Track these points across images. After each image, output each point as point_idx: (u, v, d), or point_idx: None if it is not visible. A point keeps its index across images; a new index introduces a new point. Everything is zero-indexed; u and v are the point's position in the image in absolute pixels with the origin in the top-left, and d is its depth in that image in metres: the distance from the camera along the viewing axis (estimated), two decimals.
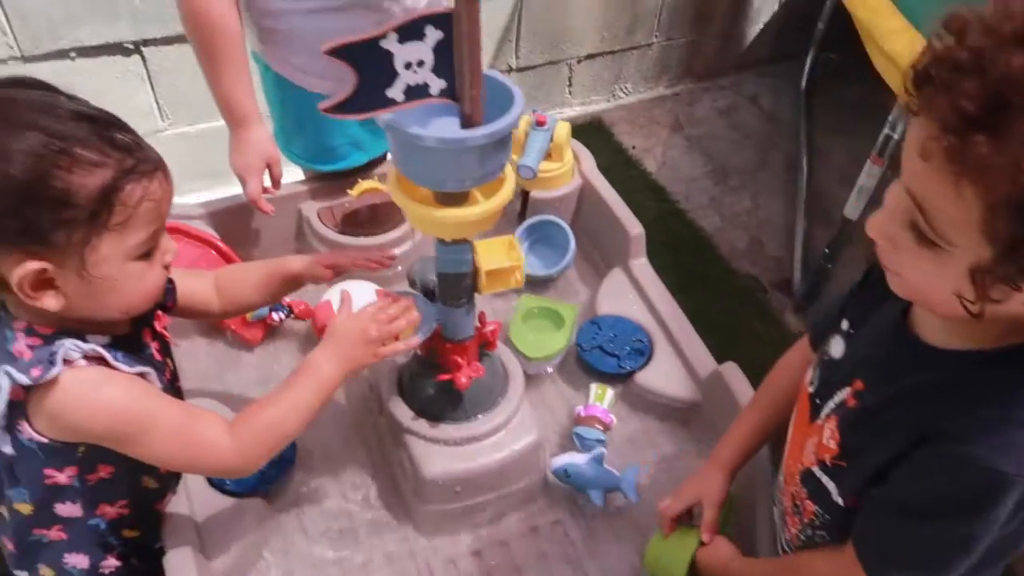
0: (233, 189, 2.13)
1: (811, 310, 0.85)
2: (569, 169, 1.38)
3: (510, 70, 2.34)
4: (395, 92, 0.70)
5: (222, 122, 2.02)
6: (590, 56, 2.45)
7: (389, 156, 1.39)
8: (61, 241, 0.69)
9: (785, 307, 1.91)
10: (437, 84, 0.71)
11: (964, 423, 0.61)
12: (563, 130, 1.34)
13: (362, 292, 1.21)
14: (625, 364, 1.20)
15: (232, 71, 1.14)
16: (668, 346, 1.22)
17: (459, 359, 0.96)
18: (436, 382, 0.99)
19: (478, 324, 0.99)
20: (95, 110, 0.72)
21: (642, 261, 1.33)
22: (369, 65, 0.67)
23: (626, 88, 2.62)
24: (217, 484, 0.99)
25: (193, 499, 0.95)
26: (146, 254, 0.76)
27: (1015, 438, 0.59)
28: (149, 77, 1.89)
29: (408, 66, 0.69)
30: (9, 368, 0.72)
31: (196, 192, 2.07)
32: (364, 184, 1.31)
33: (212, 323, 1.23)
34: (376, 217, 1.34)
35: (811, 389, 0.79)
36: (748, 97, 2.66)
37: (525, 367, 1.12)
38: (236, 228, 1.35)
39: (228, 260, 1.26)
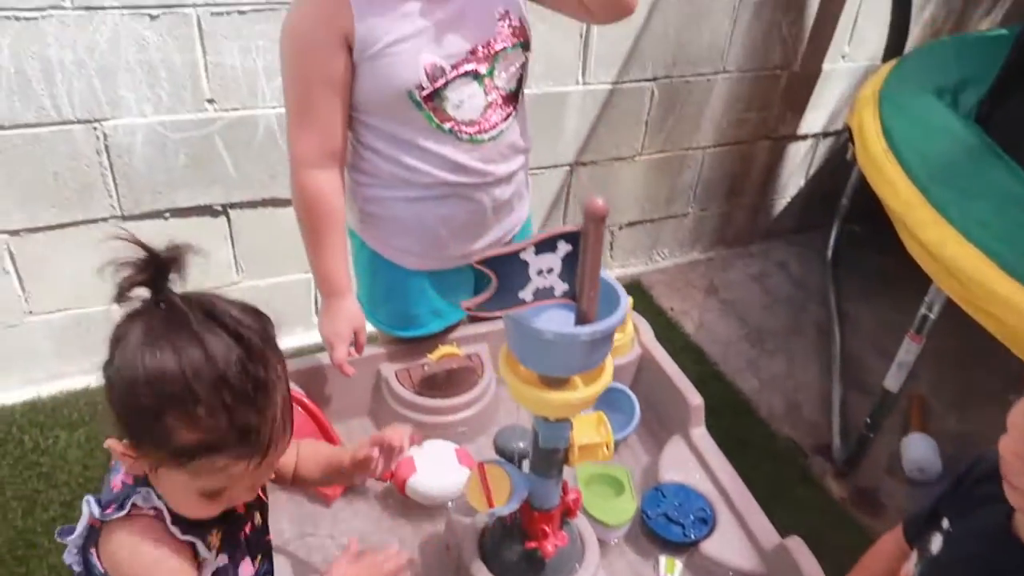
0: (292, 339, 2.26)
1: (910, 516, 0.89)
2: (630, 340, 1.48)
3: None
4: (526, 294, 0.80)
5: (287, 277, 2.18)
6: (631, 223, 2.63)
7: (468, 324, 1.49)
8: (145, 448, 0.75)
9: (826, 472, 1.95)
10: (561, 287, 0.82)
11: None
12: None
13: (441, 452, 1.29)
14: (690, 533, 1.24)
15: (333, 247, 1.26)
16: (731, 516, 1.27)
17: (546, 527, 1.02)
18: (521, 549, 1.05)
19: (561, 493, 1.06)
20: (251, 388, 0.74)
21: (701, 430, 1.40)
22: (509, 272, 0.78)
23: (663, 253, 2.78)
24: None
25: None
26: (209, 496, 0.79)
27: None
28: (231, 235, 2.05)
29: (540, 272, 0.80)
30: (90, 497, 0.79)
31: None
32: (443, 349, 1.41)
33: None
34: (452, 380, 1.42)
35: None
36: (777, 263, 2.81)
37: (598, 534, 1.17)
38: (317, 386, 1.44)
39: (314, 416, 1.33)
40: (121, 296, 0.76)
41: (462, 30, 1.13)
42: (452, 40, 1.13)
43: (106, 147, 1.82)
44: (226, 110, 1.88)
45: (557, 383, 0.90)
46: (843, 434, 2.03)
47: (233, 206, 2.01)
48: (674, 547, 1.25)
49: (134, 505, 0.79)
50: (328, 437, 1.30)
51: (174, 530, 0.80)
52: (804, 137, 2.78)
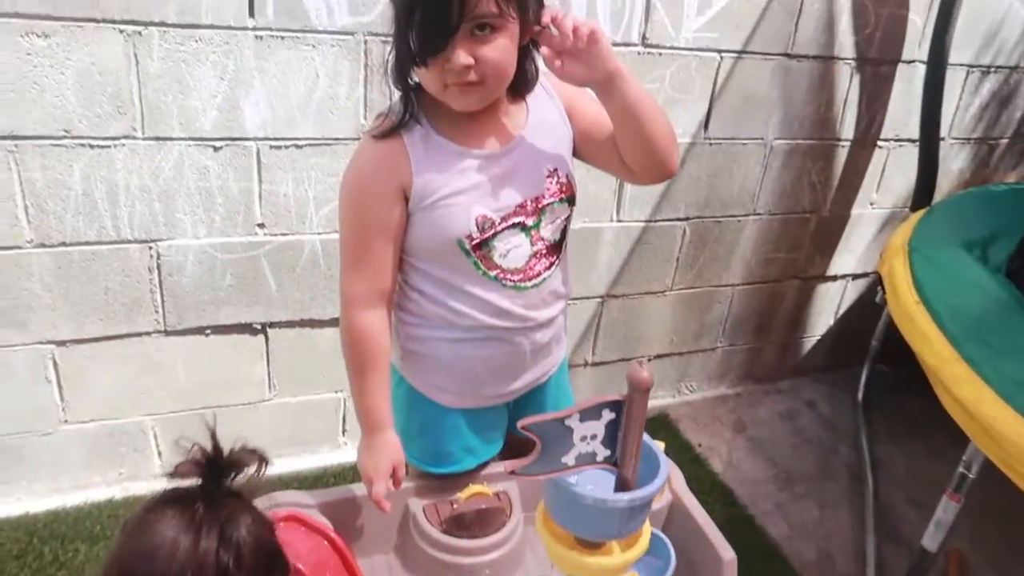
0: (315, 458, 2.25)
1: None
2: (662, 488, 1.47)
3: (586, 364, 2.52)
4: (569, 458, 0.82)
5: (318, 396, 2.20)
6: (659, 356, 2.64)
7: (503, 467, 1.48)
8: None
9: None
10: (603, 453, 0.83)
11: None
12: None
13: None
14: None
15: (377, 383, 1.28)
16: None
17: None
18: None
19: None
20: None
21: None
22: (553, 437, 0.80)
23: (691, 386, 2.78)
24: None
25: None
26: None
27: None
28: (268, 353, 2.09)
29: (583, 438, 0.81)
30: None
31: (284, 457, 2.20)
32: (473, 488, 1.40)
33: None
34: (480, 520, 1.41)
35: None
36: (806, 402, 2.78)
37: None
38: (343, 518, 1.43)
39: (339, 551, 1.32)
40: (172, 477, 0.78)
41: (514, 185, 1.19)
42: (504, 195, 1.19)
43: (158, 265, 1.89)
44: (275, 234, 1.97)
45: (594, 546, 0.89)
46: None
47: (272, 325, 2.06)
48: None
49: None
50: (352, 574, 1.28)
51: None
52: (833, 278, 2.81)
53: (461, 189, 1.17)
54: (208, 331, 2.01)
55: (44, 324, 1.86)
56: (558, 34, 1.08)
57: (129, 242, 1.85)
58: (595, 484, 0.85)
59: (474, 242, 1.19)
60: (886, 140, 2.62)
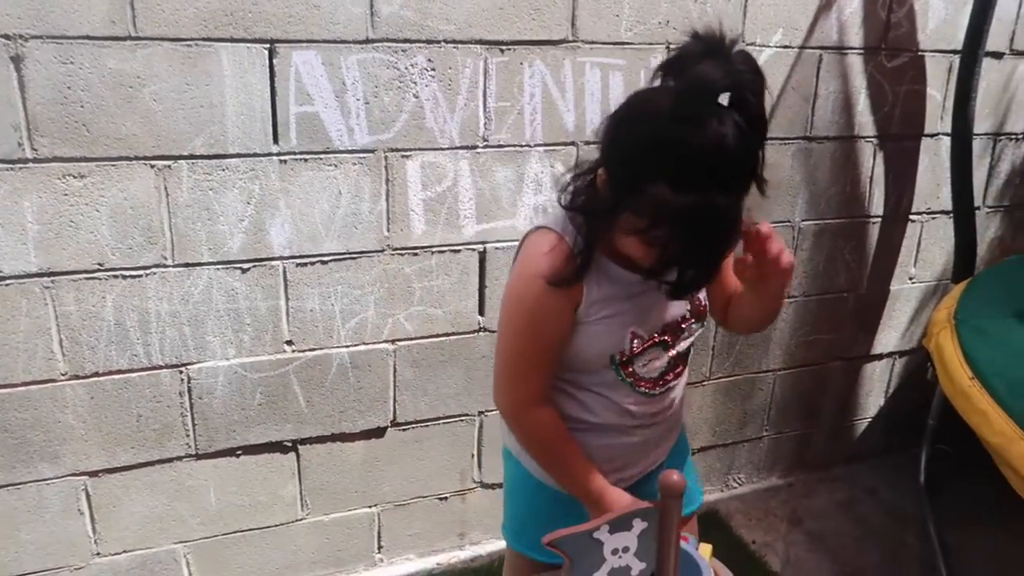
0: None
1: None
2: None
3: None
4: (601, 574, 0.76)
5: (351, 513, 2.15)
6: (703, 448, 2.54)
7: None
8: None
9: None
10: (638, 567, 0.77)
11: None
12: (705, 552, 1.36)
13: None
14: None
15: (580, 458, 1.28)
16: None
17: None
18: None
19: None
20: None
21: None
22: (582, 552, 0.75)
23: (739, 479, 2.65)
24: None
25: None
26: None
27: None
28: (299, 471, 2.05)
29: (615, 552, 0.76)
30: None
31: None
32: None
33: None
34: None
35: None
36: (865, 490, 2.64)
37: None
38: None
39: None
40: None
41: (663, 308, 1.26)
42: (654, 316, 1.25)
43: (189, 389, 1.90)
44: (303, 350, 1.97)
45: None
46: None
47: (303, 442, 2.03)
48: None
49: None
50: None
51: None
52: (879, 357, 2.71)
53: (621, 311, 1.22)
54: (239, 452, 1.99)
55: (77, 455, 1.85)
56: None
57: (160, 367, 1.86)
58: None
59: (624, 357, 1.25)
60: (918, 214, 2.58)
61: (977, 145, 2.47)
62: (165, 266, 1.80)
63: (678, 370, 1.34)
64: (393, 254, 1.98)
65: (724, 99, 1.01)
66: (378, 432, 2.11)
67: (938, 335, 2.04)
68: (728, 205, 1.04)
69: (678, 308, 1.29)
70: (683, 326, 1.30)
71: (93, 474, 1.88)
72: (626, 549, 0.76)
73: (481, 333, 2.12)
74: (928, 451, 2.62)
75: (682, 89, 1.02)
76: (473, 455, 2.24)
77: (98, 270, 1.75)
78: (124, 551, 1.97)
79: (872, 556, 2.32)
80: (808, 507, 2.54)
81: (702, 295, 1.32)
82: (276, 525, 2.08)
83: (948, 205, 2.52)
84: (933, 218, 2.59)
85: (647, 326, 1.25)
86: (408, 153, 1.92)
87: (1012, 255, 2.69)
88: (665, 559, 0.76)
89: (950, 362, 1.89)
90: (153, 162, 1.73)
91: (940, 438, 2.58)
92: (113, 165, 1.70)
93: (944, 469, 2.60)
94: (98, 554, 1.95)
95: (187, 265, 1.82)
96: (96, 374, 1.82)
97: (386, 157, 1.91)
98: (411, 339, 2.06)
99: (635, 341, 1.25)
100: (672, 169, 1.02)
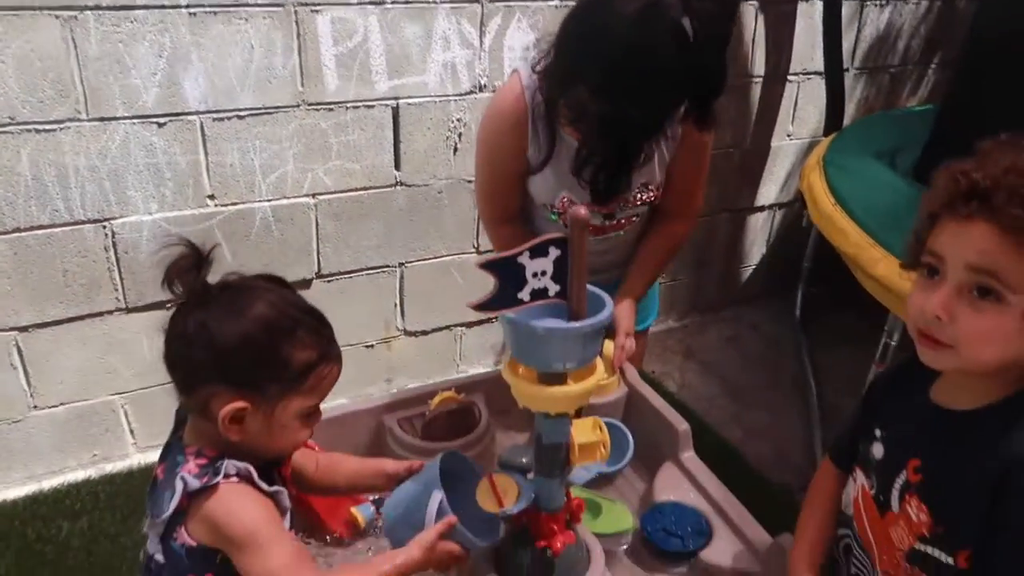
0: None
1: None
2: (617, 380, 1.59)
3: None
4: (524, 294, 0.92)
5: None
6: None
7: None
8: (268, 392, 0.89)
9: None
10: (553, 288, 0.94)
11: None
12: (608, 349, 1.58)
13: None
14: (689, 543, 1.31)
15: None
16: (725, 526, 1.34)
17: (554, 526, 1.10)
18: (532, 551, 1.11)
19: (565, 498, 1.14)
20: (312, 307, 0.97)
21: (690, 454, 1.49)
22: (508, 275, 0.90)
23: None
24: None
25: None
26: (308, 416, 0.95)
27: None
28: None
29: (535, 275, 0.92)
30: (184, 475, 0.88)
31: None
32: (442, 395, 1.51)
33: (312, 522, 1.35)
34: (452, 426, 1.51)
35: (872, 491, 0.94)
36: (749, 326, 2.95)
37: (605, 546, 1.24)
38: (319, 438, 1.52)
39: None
40: (171, 280, 0.96)
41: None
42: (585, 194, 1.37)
43: (114, 244, 1.94)
44: (225, 204, 2.03)
45: (554, 379, 1.00)
46: None
47: None
48: (675, 557, 1.31)
49: (226, 475, 0.90)
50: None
51: (261, 484, 0.93)
52: (762, 208, 2.99)
53: (558, 173, 1.37)
54: (168, 305, 2.05)
55: (5, 311, 1.89)
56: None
57: (83, 223, 1.90)
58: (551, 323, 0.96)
59: (556, 211, 1.41)
60: (795, 74, 2.80)
61: (847, 10, 2.69)
62: (79, 120, 1.81)
63: (615, 224, 1.48)
64: (309, 109, 2.04)
65: (684, 25, 1.08)
66: (304, 284, 2.22)
67: (809, 175, 2.29)
68: (642, 120, 1.15)
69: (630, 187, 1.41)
70: (621, 206, 1.43)
71: (23, 329, 1.93)
72: (544, 273, 0.92)
73: (398, 187, 2.23)
74: (803, 291, 2.94)
75: (638, 6, 1.09)
76: (396, 304, 2.39)
77: (9, 123, 1.75)
78: (61, 403, 2.04)
79: (754, 377, 2.63)
80: (700, 343, 2.84)
81: (654, 186, 1.44)
82: None
83: (822, 66, 2.75)
84: (808, 79, 2.83)
85: (580, 197, 1.37)
86: (317, 8, 1.96)
87: (876, 112, 2.98)
88: (575, 279, 0.93)
89: (818, 195, 2.14)
90: (58, 12, 1.72)
91: (813, 280, 2.91)
92: (15, 15, 1.68)
93: (816, 307, 2.94)
94: (35, 407, 2.01)
95: (102, 119, 1.83)
96: (17, 229, 1.84)
97: (296, 11, 1.95)
98: (331, 193, 2.15)
99: (566, 201, 1.40)
100: (596, 74, 1.12)
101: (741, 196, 2.91)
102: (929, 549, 0.87)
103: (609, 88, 1.12)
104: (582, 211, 0.91)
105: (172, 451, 0.98)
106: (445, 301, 2.45)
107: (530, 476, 1.14)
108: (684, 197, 1.54)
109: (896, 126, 2.64)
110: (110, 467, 2.11)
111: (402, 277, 2.36)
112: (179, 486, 0.90)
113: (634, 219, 1.52)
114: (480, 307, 0.92)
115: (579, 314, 0.96)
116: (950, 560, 0.86)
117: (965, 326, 0.80)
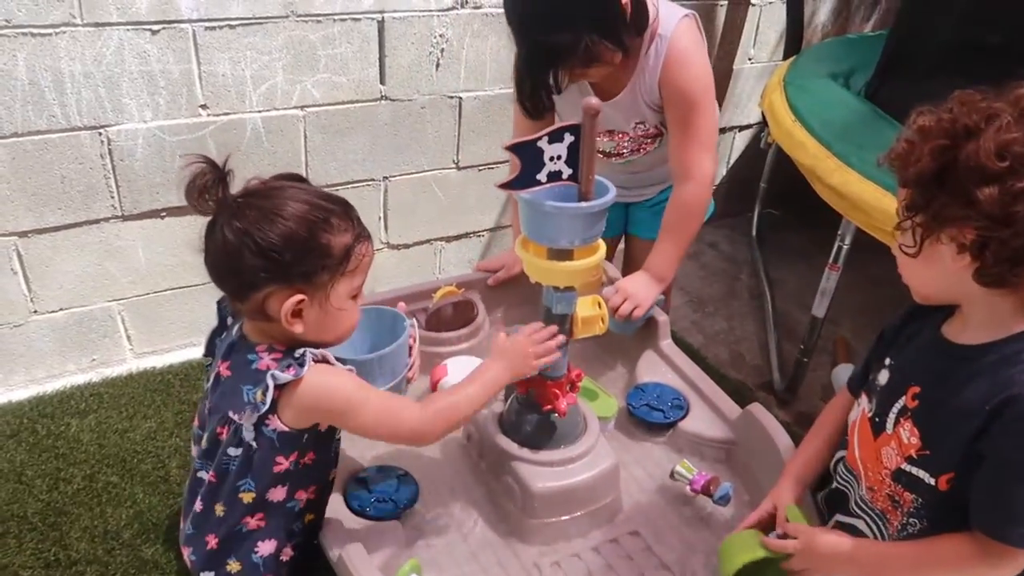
0: None
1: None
2: (601, 276, 1.74)
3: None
4: (542, 176, 1.05)
5: None
6: None
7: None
8: (320, 281, 1.00)
9: (771, 403, 2.23)
10: (567, 171, 1.07)
11: None
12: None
13: (468, 362, 1.50)
14: (669, 416, 1.49)
15: None
16: (700, 401, 1.53)
17: (558, 391, 1.25)
18: (537, 416, 1.27)
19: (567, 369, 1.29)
20: (335, 195, 1.06)
21: (668, 342, 1.66)
22: (529, 157, 1.03)
23: None
24: (359, 511, 1.22)
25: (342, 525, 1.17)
26: (356, 295, 1.07)
27: None
28: None
29: (552, 159, 1.04)
30: (275, 371, 0.99)
31: None
32: (444, 289, 1.64)
33: None
34: (455, 316, 1.65)
35: (870, 413, 1.02)
36: (709, 244, 3.13)
37: None
38: None
39: None
40: (197, 196, 1.02)
41: (614, 117, 1.64)
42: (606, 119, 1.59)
43: (110, 151, 1.99)
44: (217, 115, 2.08)
45: (564, 256, 1.14)
46: (781, 370, 2.32)
47: None
48: (657, 428, 1.49)
49: (311, 358, 1.02)
50: None
51: (336, 363, 1.06)
52: (723, 130, 3.13)
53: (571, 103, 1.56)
54: (163, 213, 2.12)
55: (5, 216, 1.93)
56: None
57: (79, 129, 1.93)
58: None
59: None
60: None
61: None
62: (74, 25, 1.83)
63: (641, 149, 1.74)
64: (298, 20, 2.08)
65: None
66: None
67: (770, 95, 2.43)
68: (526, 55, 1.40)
69: (618, 125, 1.66)
70: (620, 137, 1.69)
71: (23, 234, 1.97)
72: (559, 156, 1.04)
73: (383, 101, 2.30)
74: (760, 211, 3.12)
75: None
76: (380, 218, 2.48)
77: (6, 27, 1.77)
78: (61, 308, 2.10)
79: (713, 289, 2.82)
80: None
81: (651, 124, 1.68)
82: (204, 283, 2.26)
83: None
84: (770, 3, 2.94)
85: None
86: None
87: (833, 37, 3.12)
88: (585, 162, 1.05)
89: (778, 112, 2.29)
90: None
91: (769, 203, 3.09)
92: None
93: (771, 226, 3.12)
94: (35, 311, 2.08)
95: (97, 25, 1.85)
96: (15, 134, 1.87)
97: None
98: (319, 105, 2.21)
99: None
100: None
101: None
102: (914, 470, 0.93)
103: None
104: (593, 100, 1.04)
105: (237, 349, 1.08)
106: (426, 215, 2.55)
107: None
108: (676, 153, 1.66)
109: (851, 50, 2.78)
110: (108, 371, 2.19)
111: (386, 191, 2.45)
112: (270, 381, 1.00)
113: (645, 149, 1.73)
114: (505, 186, 1.04)
115: (587, 194, 1.09)
116: (932, 481, 0.91)
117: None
